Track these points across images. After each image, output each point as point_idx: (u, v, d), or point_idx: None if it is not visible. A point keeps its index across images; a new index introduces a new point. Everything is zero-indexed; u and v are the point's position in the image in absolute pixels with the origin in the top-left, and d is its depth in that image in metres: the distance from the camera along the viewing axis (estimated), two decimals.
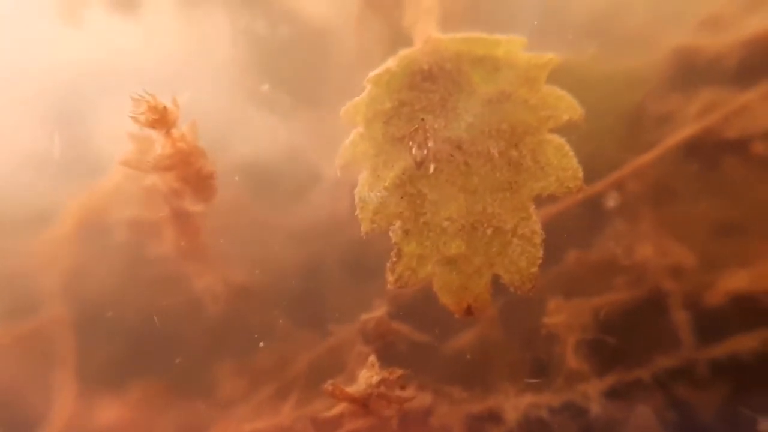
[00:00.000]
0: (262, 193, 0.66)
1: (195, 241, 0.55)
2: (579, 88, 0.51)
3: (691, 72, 0.45)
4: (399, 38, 0.58)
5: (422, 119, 0.45)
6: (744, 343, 0.43)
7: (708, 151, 0.43)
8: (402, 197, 0.45)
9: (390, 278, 0.44)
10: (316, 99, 0.69)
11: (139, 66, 0.70)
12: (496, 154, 0.44)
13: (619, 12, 0.58)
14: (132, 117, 0.39)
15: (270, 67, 0.69)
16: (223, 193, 0.59)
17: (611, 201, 0.47)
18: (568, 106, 0.41)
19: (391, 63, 0.47)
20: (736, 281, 0.41)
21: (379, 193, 0.44)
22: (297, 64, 0.70)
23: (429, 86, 0.47)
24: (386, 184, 0.45)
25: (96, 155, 0.64)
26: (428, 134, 0.45)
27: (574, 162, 0.42)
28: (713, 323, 0.44)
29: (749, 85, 0.42)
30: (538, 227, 0.42)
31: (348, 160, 0.46)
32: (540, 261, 0.42)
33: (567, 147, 0.42)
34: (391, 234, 0.45)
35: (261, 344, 0.50)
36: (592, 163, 0.45)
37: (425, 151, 0.45)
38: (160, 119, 0.38)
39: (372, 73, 0.46)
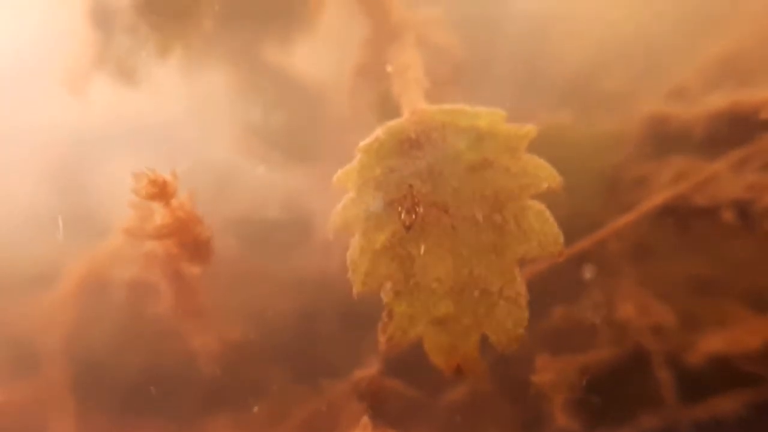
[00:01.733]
0: (256, 246, 0.68)
1: (191, 300, 0.57)
2: (558, 149, 0.53)
3: (663, 140, 0.48)
4: (388, 104, 0.61)
5: (410, 185, 0.48)
6: (725, 405, 0.44)
7: (682, 216, 0.45)
8: (392, 259, 0.47)
9: (382, 338, 0.46)
10: (310, 157, 0.72)
11: (139, 128, 0.72)
12: (481, 219, 0.46)
13: (593, 78, 0.61)
14: (133, 191, 0.42)
15: (266, 127, 0.72)
16: (218, 247, 0.61)
17: (592, 260, 0.49)
18: (548, 175, 0.44)
19: (379, 132, 0.50)
20: (714, 342, 0.42)
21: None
22: (292, 124, 0.73)
23: (416, 153, 0.50)
24: (377, 247, 0.47)
25: (97, 217, 0.67)
26: (416, 200, 0.47)
27: (554, 227, 0.44)
28: (695, 383, 0.45)
29: (716, 156, 0.45)
30: (523, 289, 0.44)
31: (340, 225, 0.49)
32: (526, 323, 0.43)
33: (547, 213, 0.44)
34: (382, 295, 0.47)
35: (255, 408, 0.51)
36: (573, 222, 0.47)
37: (414, 216, 0.47)
38: (160, 192, 0.41)
39: (362, 143, 0.49)
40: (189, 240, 0.46)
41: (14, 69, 0.79)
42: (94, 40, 0.48)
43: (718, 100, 0.44)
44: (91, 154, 0.74)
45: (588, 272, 0.48)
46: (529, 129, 0.45)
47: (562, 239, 0.43)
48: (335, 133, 0.72)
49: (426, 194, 0.49)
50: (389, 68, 0.54)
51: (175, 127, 0.75)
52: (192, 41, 0.48)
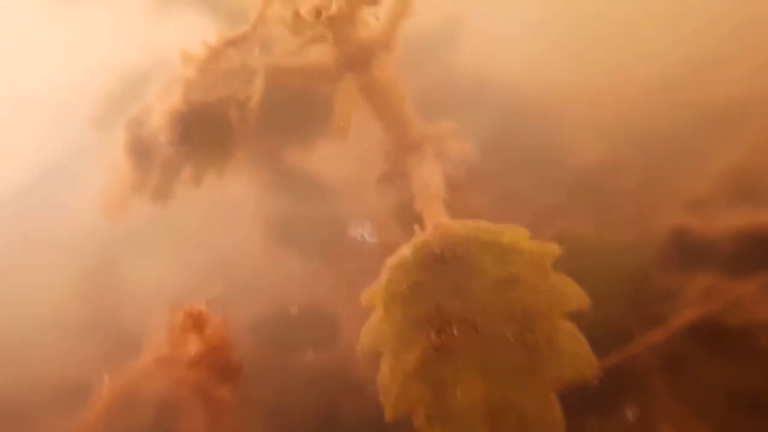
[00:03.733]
0: (277, 345, 0.67)
1: (219, 419, 0.56)
2: (578, 256, 0.54)
3: (686, 252, 0.48)
4: (409, 213, 0.63)
5: (438, 304, 0.48)
6: None
7: (714, 334, 0.45)
8: (424, 381, 0.47)
9: None
10: (332, 257, 0.73)
11: (167, 231, 0.74)
12: (512, 339, 0.46)
13: (608, 181, 0.63)
14: (169, 326, 0.43)
15: (288, 227, 0.73)
16: (240, 346, 0.61)
17: (626, 375, 0.48)
18: (576, 295, 0.44)
19: (405, 250, 0.51)
20: None
21: None
22: (314, 225, 0.75)
23: (442, 268, 0.50)
24: (407, 367, 0.47)
25: (128, 329, 0.67)
26: (446, 319, 0.48)
27: (587, 349, 0.44)
28: None
29: (744, 275, 0.45)
30: (559, 414, 0.43)
31: (370, 344, 0.49)
32: None
33: (579, 334, 0.44)
34: (414, 420, 0.46)
35: None
36: (600, 333, 0.47)
37: (443, 337, 0.47)
38: (195, 324, 0.42)
39: (389, 261, 0.50)
40: (219, 364, 0.46)
41: (49, 180, 0.83)
42: (130, 169, 0.50)
43: (740, 218, 0.45)
44: (121, 260, 0.76)
45: (622, 388, 0.47)
46: (553, 248, 0.46)
47: (595, 362, 0.43)
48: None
49: (454, 311, 0.49)
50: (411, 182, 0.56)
51: (200, 229, 0.77)
52: (224, 168, 0.50)
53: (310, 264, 0.74)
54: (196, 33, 0.74)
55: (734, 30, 0.70)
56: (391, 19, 0.50)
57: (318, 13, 0.40)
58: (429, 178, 0.57)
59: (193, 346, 0.43)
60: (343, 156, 0.76)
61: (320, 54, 0.54)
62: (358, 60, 0.52)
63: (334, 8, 0.39)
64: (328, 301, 0.70)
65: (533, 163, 0.73)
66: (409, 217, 0.62)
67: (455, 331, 0.46)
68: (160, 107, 0.47)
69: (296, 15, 0.42)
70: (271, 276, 0.74)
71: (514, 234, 0.49)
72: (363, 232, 0.68)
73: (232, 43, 0.43)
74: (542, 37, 0.81)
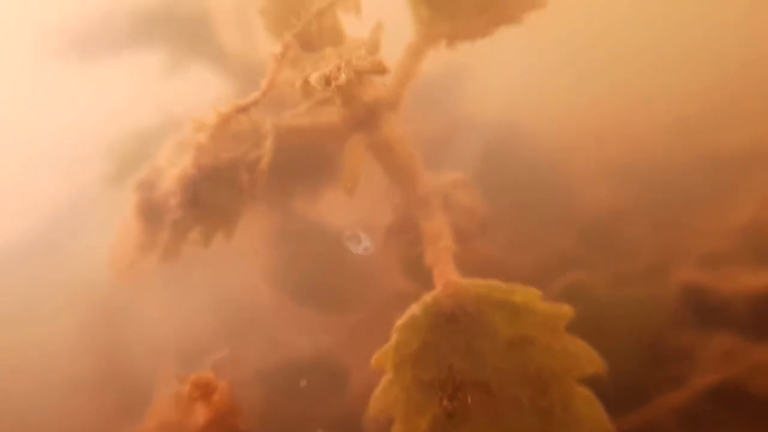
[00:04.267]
0: (285, 396, 0.66)
1: None
2: (589, 308, 0.53)
3: (702, 311, 0.48)
4: (418, 266, 0.62)
5: (450, 366, 0.48)
6: None
7: (737, 399, 0.44)
8: None
9: None
10: (339, 307, 0.73)
11: (174, 290, 0.74)
12: (526, 402, 0.45)
13: (617, 230, 0.63)
14: (177, 396, 0.42)
15: (294, 275, 0.73)
16: (246, 397, 0.60)
17: None
18: (591, 359, 0.43)
19: (415, 309, 0.50)
20: None
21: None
22: (320, 274, 0.75)
23: (453, 328, 0.50)
24: None
25: (132, 389, 0.66)
26: (458, 383, 0.47)
27: (603, 414, 0.43)
28: None
29: (763, 339, 0.44)
30: None
31: (380, 409, 0.48)
32: None
33: (594, 398, 0.43)
34: None
35: None
36: (618, 392, 0.46)
37: (455, 403, 0.46)
38: (203, 393, 0.41)
39: (398, 322, 0.50)
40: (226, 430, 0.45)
41: (56, 231, 0.84)
42: (139, 231, 0.51)
43: (758, 279, 0.45)
44: (128, 310, 0.75)
45: None
46: (566, 309, 0.45)
47: (612, 428, 0.42)
48: (365, 285, 0.73)
49: (466, 372, 0.48)
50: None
51: (207, 277, 0.77)
52: (232, 229, 0.50)
53: (318, 313, 0.73)
54: (209, 91, 0.76)
55: (744, 72, 0.70)
56: (399, 80, 0.51)
57: (327, 82, 0.41)
58: (438, 231, 0.57)
59: (201, 414, 0.43)
60: (350, 205, 0.77)
61: (328, 113, 0.55)
62: (366, 119, 0.53)
63: (343, 78, 0.40)
64: (336, 350, 0.70)
65: (541, 207, 0.73)
66: (418, 269, 0.62)
67: (468, 398, 0.45)
68: (170, 171, 0.47)
69: (306, 83, 0.43)
70: (278, 325, 0.74)
71: (526, 293, 0.49)
72: (360, 245, 0.68)
73: (243, 109, 0.44)
74: (548, 81, 0.82)
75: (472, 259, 0.66)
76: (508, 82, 0.81)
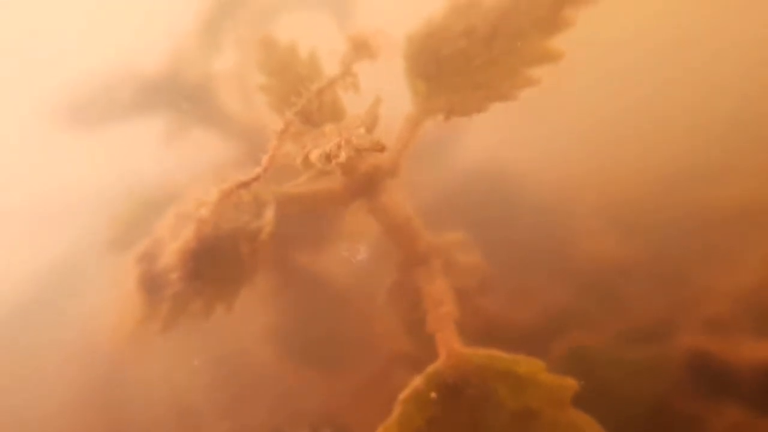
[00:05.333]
0: None
1: None
2: (594, 371, 0.53)
3: (709, 379, 0.47)
4: (420, 327, 0.62)
5: None
6: None
7: None
8: None
9: None
10: (342, 365, 0.72)
11: (175, 348, 0.73)
12: None
13: (626, 290, 0.62)
14: None
15: (299, 338, 0.72)
16: None
17: None
18: None
19: (418, 381, 0.50)
20: None
21: None
22: (324, 331, 0.74)
23: (457, 401, 0.49)
24: None
25: None
26: None
27: None
28: None
29: None
30: None
31: None
32: None
33: None
34: None
35: None
36: None
37: None
38: None
39: (401, 395, 0.49)
40: None
41: (57, 292, 0.83)
42: (140, 304, 0.50)
43: (762, 349, 0.44)
44: (129, 370, 0.74)
45: None
46: (571, 382, 0.45)
47: None
48: (368, 346, 0.72)
49: None
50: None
51: (209, 336, 0.76)
52: (233, 301, 0.50)
53: (321, 374, 0.72)
54: (208, 152, 0.77)
55: (742, 130, 0.70)
56: (398, 150, 0.51)
57: (328, 160, 0.42)
58: (439, 295, 0.56)
59: None
60: (352, 263, 0.76)
61: (329, 181, 0.55)
62: (366, 187, 0.53)
63: (343, 156, 0.40)
64: (339, 411, 0.68)
65: (542, 262, 0.72)
66: (420, 331, 0.61)
67: None
68: (171, 244, 0.48)
69: (306, 159, 0.43)
70: (280, 385, 0.72)
71: (530, 364, 0.48)
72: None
73: (244, 185, 0.45)
74: (548, 135, 0.82)
75: (474, 317, 0.65)
76: (507, 134, 0.82)
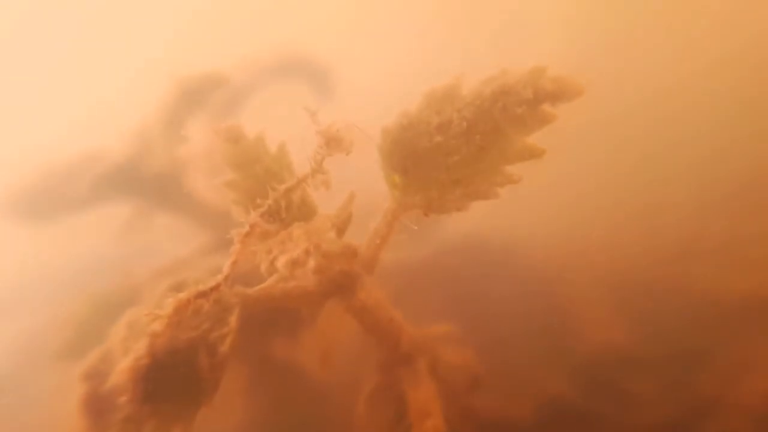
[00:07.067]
0: None
1: None
2: None
3: None
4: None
5: None
6: None
7: None
8: None
9: None
10: None
11: None
12: None
13: (630, 387, 0.57)
14: None
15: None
16: None
17: None
18: None
19: None
20: None
21: None
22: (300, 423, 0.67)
23: None
24: None
25: None
26: None
27: None
28: None
29: None
30: None
31: None
32: None
33: None
34: None
35: None
36: None
37: None
38: None
39: None
40: None
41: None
42: (85, 429, 0.44)
43: None
44: None
45: None
46: None
47: None
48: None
49: None
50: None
51: None
52: (192, 421, 0.44)
53: None
54: (175, 239, 0.73)
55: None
56: (376, 243, 0.48)
57: (295, 267, 0.37)
58: (425, 406, 0.51)
59: None
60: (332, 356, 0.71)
61: (301, 278, 0.51)
62: (342, 285, 0.49)
63: (311, 264, 0.36)
64: None
65: (539, 353, 0.68)
66: None
67: None
68: (121, 361, 0.42)
69: (272, 267, 0.39)
70: None
71: None
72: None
73: (203, 295, 0.40)
74: (547, 210, 0.79)
75: (464, 421, 0.60)
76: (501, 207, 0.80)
